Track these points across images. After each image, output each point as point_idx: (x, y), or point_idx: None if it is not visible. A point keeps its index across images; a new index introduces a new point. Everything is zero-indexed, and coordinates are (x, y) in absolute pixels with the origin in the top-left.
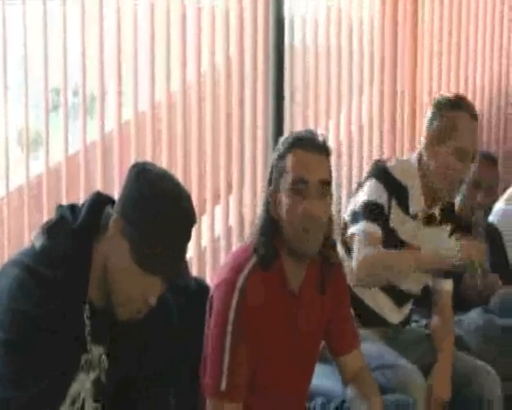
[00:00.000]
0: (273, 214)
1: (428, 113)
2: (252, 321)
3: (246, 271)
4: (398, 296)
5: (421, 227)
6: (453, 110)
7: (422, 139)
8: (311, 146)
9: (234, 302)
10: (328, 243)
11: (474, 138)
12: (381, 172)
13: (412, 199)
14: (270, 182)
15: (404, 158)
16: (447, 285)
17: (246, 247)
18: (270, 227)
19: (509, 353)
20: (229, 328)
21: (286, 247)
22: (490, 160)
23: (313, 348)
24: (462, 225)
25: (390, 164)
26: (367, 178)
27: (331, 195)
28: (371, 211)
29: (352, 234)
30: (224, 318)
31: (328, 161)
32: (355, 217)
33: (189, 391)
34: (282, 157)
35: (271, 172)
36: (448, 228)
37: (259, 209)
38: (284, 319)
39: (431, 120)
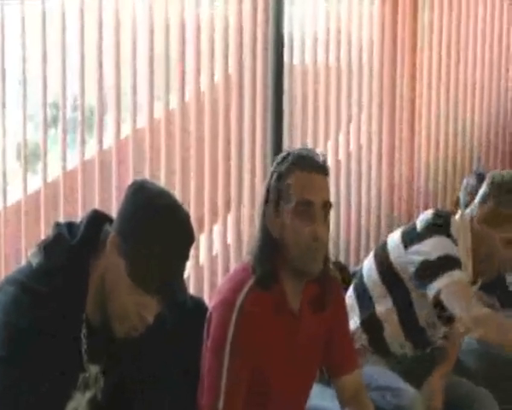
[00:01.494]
0: (274, 234)
1: (485, 186)
2: (251, 341)
3: (244, 290)
4: (420, 342)
5: None
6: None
7: (474, 207)
8: (312, 166)
9: (232, 322)
10: (326, 260)
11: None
12: (448, 232)
13: (463, 268)
14: (266, 201)
15: (458, 217)
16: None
17: (244, 266)
18: (269, 247)
19: (506, 375)
20: (227, 348)
21: (288, 266)
22: None
23: (312, 366)
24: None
25: (452, 228)
26: (430, 232)
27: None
28: (456, 262)
29: (445, 285)
30: (222, 338)
31: (328, 181)
32: (435, 270)
33: (183, 401)
34: (281, 177)
35: (268, 192)
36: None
37: (256, 229)
38: (284, 338)
39: (485, 197)
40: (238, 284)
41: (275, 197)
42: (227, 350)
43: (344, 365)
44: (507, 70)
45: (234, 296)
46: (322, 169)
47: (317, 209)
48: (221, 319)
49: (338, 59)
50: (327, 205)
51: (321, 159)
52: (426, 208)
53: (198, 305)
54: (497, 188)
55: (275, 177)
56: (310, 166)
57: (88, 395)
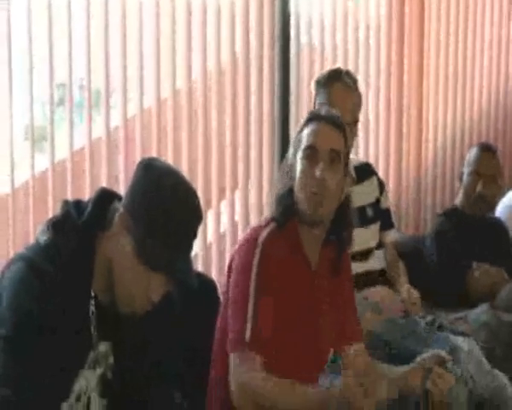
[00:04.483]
0: (290, 184)
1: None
2: (273, 277)
3: (265, 233)
4: (359, 255)
5: None
6: (325, 86)
7: None
8: (324, 119)
9: (256, 257)
10: (344, 224)
11: (347, 107)
12: None
13: None
14: (290, 157)
15: None
16: (389, 237)
17: (263, 220)
18: (287, 194)
19: None
20: (253, 281)
21: (300, 214)
22: (488, 150)
23: (330, 327)
24: (380, 180)
25: None
26: None
27: (346, 171)
28: None
29: None
30: (247, 271)
31: (341, 136)
32: None
33: (193, 387)
34: (299, 132)
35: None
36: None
37: (278, 184)
38: (303, 286)
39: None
40: (259, 229)
41: (294, 150)
42: (252, 284)
43: (352, 334)
44: None
45: (256, 236)
46: (334, 122)
47: (321, 154)
48: (245, 255)
49: (345, 38)
50: (334, 152)
51: (334, 114)
52: (433, 193)
53: (207, 282)
54: (316, 86)
55: (297, 132)
56: (323, 118)
57: (98, 371)
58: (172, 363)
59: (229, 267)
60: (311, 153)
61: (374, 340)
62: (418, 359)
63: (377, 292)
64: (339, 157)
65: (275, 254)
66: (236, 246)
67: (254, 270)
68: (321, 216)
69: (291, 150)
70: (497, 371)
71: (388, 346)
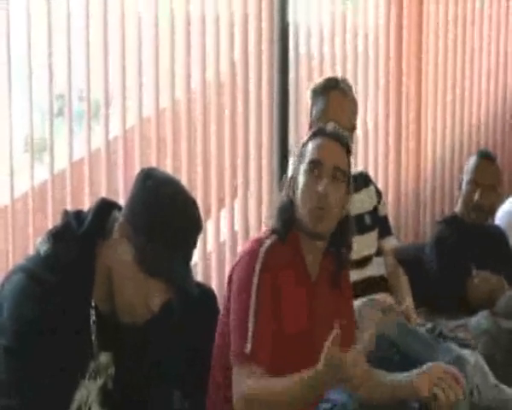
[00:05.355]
0: (291, 196)
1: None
2: (273, 288)
3: (266, 244)
4: (358, 262)
5: None
6: (323, 94)
7: None
8: (330, 135)
9: (257, 268)
10: (344, 240)
11: (345, 113)
12: None
13: None
14: (293, 169)
15: None
16: (388, 244)
17: (264, 232)
18: (288, 206)
19: None
20: (254, 293)
21: (301, 227)
22: (487, 158)
23: (326, 338)
24: (377, 189)
25: None
26: None
27: (347, 189)
28: None
29: None
30: (248, 283)
31: (345, 154)
32: None
33: (193, 389)
34: (304, 145)
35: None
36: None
37: (280, 196)
38: (302, 297)
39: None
40: (260, 240)
41: (297, 163)
42: (253, 296)
43: (347, 342)
44: None
45: (257, 248)
46: (339, 140)
47: (325, 170)
48: (246, 267)
49: (343, 48)
50: (338, 170)
51: (339, 131)
52: (432, 203)
53: (206, 292)
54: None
55: (300, 145)
56: (326, 134)
57: (99, 382)
58: (172, 363)
59: (230, 278)
60: (316, 167)
61: (381, 341)
62: (424, 367)
63: (382, 298)
64: (342, 175)
65: (276, 264)
66: (237, 257)
67: (255, 282)
68: (321, 231)
69: (293, 163)
70: (503, 385)
71: (396, 347)
